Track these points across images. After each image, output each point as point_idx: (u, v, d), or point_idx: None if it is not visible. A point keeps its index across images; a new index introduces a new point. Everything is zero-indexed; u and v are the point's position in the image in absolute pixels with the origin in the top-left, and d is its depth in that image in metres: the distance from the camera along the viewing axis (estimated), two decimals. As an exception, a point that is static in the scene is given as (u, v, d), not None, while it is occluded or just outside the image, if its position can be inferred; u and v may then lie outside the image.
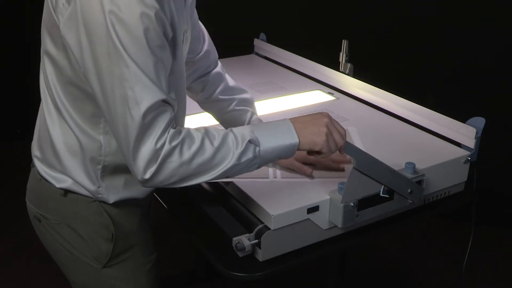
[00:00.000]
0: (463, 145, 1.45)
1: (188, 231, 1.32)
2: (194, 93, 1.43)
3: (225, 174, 1.04)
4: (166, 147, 0.98)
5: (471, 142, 1.42)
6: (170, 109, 1.02)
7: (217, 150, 1.02)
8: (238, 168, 1.05)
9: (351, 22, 2.71)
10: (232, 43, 2.16)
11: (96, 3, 0.95)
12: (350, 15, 2.75)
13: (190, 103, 1.38)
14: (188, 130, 1.03)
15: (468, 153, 1.41)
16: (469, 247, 1.49)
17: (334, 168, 1.32)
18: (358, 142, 1.46)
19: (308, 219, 1.17)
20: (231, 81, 1.44)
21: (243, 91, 1.45)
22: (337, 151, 1.12)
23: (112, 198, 1.18)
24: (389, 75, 2.29)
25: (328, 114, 1.12)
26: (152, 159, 0.98)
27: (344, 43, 1.88)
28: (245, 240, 1.13)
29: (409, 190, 1.23)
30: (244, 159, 1.04)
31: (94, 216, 1.19)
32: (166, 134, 0.99)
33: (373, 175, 1.17)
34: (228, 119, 1.42)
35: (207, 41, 1.40)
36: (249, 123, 1.40)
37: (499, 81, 2.58)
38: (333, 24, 2.75)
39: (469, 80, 2.61)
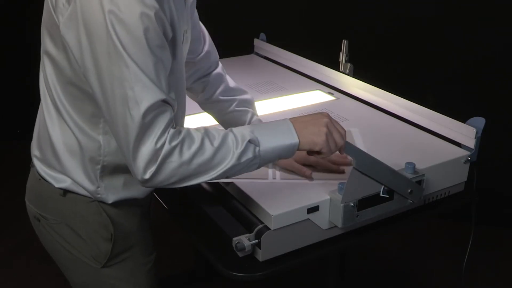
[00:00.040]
0: (463, 145, 1.45)
1: (188, 231, 1.32)
2: (194, 93, 1.43)
3: (225, 174, 1.04)
4: (166, 147, 0.98)
5: (471, 142, 1.42)
6: (170, 109, 1.02)
7: (217, 150, 1.02)
8: (238, 168, 1.05)
9: (351, 22, 2.71)
10: (232, 43, 2.16)
11: (96, 3, 0.95)
12: (350, 15, 2.75)
13: (190, 103, 1.39)
14: (188, 130, 1.03)
15: (468, 153, 1.41)
16: (469, 247, 1.49)
17: (334, 170, 1.32)
18: (360, 144, 1.46)
19: (308, 219, 1.17)
20: (231, 82, 1.44)
21: (244, 92, 1.45)
22: (337, 152, 1.12)
23: (111, 198, 1.18)
24: (389, 75, 2.29)
25: (328, 114, 1.12)
26: (152, 159, 0.98)
27: (344, 43, 1.88)
28: (245, 240, 1.13)
29: (409, 190, 1.23)
30: (244, 159, 1.04)
31: (93, 216, 1.19)
32: (166, 134, 0.99)
33: (373, 175, 1.17)
34: (229, 120, 1.42)
35: (208, 42, 1.40)
36: (249, 124, 1.40)
37: (499, 81, 2.58)
38: (333, 24, 2.75)
39: (469, 80, 2.61)
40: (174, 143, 0.99)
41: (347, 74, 1.88)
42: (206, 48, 1.39)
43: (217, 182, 1.31)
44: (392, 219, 1.30)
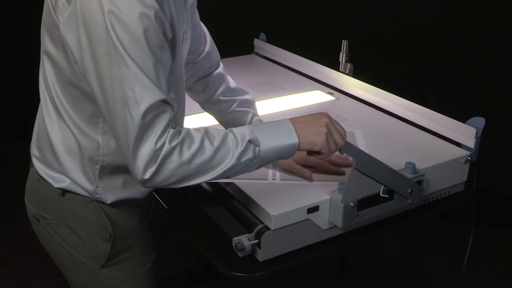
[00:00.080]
0: (463, 145, 1.45)
1: (188, 231, 1.32)
2: (195, 94, 1.43)
3: (225, 174, 1.04)
4: (166, 147, 0.98)
5: (471, 142, 1.42)
6: (170, 109, 1.02)
7: (217, 150, 1.02)
8: (238, 168, 1.04)
9: (351, 22, 2.70)
10: (232, 43, 2.15)
11: (96, 3, 0.95)
12: (350, 15, 2.75)
13: (190, 103, 1.39)
14: (188, 130, 1.03)
15: (468, 153, 1.41)
16: (469, 247, 1.49)
17: (334, 171, 1.31)
18: (362, 145, 1.46)
19: (308, 219, 1.17)
20: (232, 82, 1.44)
21: (244, 92, 1.45)
22: (338, 152, 1.12)
23: (110, 198, 1.18)
24: (389, 75, 2.29)
25: (328, 114, 1.12)
26: (151, 159, 0.98)
27: (344, 43, 1.88)
28: (245, 240, 1.13)
29: (409, 190, 1.23)
30: (244, 159, 1.03)
31: (92, 216, 1.19)
32: (166, 134, 0.99)
33: (373, 175, 1.17)
34: (229, 120, 1.42)
35: (209, 42, 1.40)
36: (250, 124, 1.39)
37: (499, 81, 2.58)
38: (333, 24, 2.75)
39: (469, 80, 2.61)
40: (174, 143, 0.99)
41: (347, 74, 1.88)
42: (207, 48, 1.39)
43: (217, 182, 1.31)
44: (392, 219, 1.30)
